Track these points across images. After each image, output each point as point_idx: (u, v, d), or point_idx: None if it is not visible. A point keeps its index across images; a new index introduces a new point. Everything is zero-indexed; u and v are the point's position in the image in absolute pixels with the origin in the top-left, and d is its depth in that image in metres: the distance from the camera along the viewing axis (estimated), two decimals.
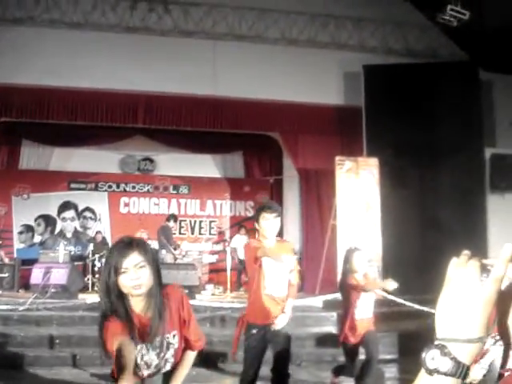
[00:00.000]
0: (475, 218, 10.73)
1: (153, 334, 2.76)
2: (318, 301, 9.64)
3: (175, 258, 11.79)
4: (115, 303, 2.68)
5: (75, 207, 13.26)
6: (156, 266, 2.80)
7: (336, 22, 11.75)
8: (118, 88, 10.91)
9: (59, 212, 13.23)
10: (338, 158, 10.69)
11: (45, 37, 10.75)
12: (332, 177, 10.75)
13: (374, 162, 10.70)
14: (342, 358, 6.15)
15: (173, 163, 13.63)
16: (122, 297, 2.70)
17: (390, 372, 6.83)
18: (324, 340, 7.88)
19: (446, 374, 0.95)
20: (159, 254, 11.82)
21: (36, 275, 10.25)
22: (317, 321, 8.60)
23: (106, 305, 2.69)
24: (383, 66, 11.29)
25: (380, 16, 11.64)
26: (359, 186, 10.56)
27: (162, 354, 2.83)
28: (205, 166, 13.83)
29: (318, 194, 12.27)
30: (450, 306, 0.96)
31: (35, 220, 13.06)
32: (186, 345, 2.98)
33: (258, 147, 13.84)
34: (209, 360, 7.08)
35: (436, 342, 0.96)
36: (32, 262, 11.21)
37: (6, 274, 11.07)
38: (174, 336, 2.87)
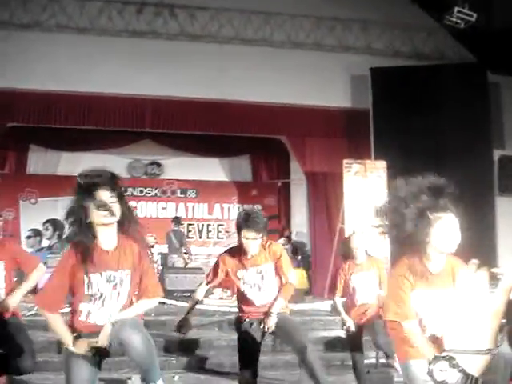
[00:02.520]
0: (484, 220, 10.66)
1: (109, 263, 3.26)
2: (326, 305, 9.59)
3: (186, 263, 11.78)
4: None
5: None
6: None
7: (343, 24, 11.72)
8: (124, 92, 10.93)
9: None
10: (345, 161, 10.65)
11: (52, 42, 10.77)
12: (340, 180, 10.72)
13: (381, 165, 10.65)
14: (351, 363, 6.13)
15: (180, 167, 13.64)
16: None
17: (400, 376, 6.78)
18: (333, 344, 7.84)
19: None
20: (169, 258, 11.81)
21: (44, 280, 10.25)
22: (325, 325, 8.56)
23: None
24: (390, 69, 11.26)
25: (387, 18, 11.60)
26: (367, 189, 10.52)
27: (117, 288, 3.26)
28: (212, 169, 13.83)
29: (326, 198, 12.23)
30: (458, 318, 0.93)
31: (43, 224, 13.08)
32: (142, 293, 3.40)
33: (265, 151, 13.83)
34: (217, 365, 7.09)
35: (444, 354, 0.94)
36: None
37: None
38: (126, 275, 3.28)
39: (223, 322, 8.42)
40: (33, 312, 8.30)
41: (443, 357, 0.95)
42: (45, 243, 13.06)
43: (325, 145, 11.92)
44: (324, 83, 11.27)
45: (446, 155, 10.64)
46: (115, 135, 12.58)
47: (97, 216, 3.21)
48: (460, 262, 3.19)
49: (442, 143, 10.67)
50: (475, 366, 0.94)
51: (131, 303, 3.42)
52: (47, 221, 13.10)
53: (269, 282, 4.78)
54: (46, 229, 13.09)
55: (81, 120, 11.28)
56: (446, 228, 2.99)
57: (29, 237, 12.96)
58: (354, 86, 11.61)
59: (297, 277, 5.85)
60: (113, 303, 3.29)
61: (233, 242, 12.32)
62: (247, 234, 4.50)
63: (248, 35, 11.47)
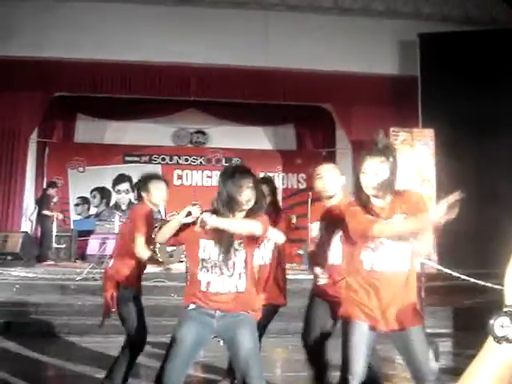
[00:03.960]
0: None
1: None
2: None
3: None
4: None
5: (129, 180, 13.44)
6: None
7: None
8: (170, 61, 10.96)
9: (114, 184, 13.44)
10: (392, 129, 10.47)
11: (97, 11, 10.84)
12: None
13: (429, 134, 10.45)
14: None
15: (225, 136, 13.65)
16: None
17: (445, 346, 6.74)
18: None
19: None
20: None
21: (92, 246, 10.51)
22: None
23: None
24: (439, 34, 10.98)
25: None
26: (414, 157, 10.36)
27: (230, 258, 3.30)
28: (256, 138, 13.80)
29: None
30: None
31: (91, 192, 13.32)
32: None
33: (310, 119, 13.69)
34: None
35: (505, 309, 0.91)
36: (88, 233, 11.48)
37: (64, 245, 11.38)
38: (240, 243, 3.33)
39: None
40: (82, 277, 8.51)
41: (505, 312, 0.92)
42: (92, 211, 13.32)
43: (371, 112, 11.72)
44: (371, 49, 11.07)
45: (496, 124, 10.37)
46: (161, 104, 12.65)
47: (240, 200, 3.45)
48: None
49: (492, 111, 10.39)
50: None
51: (252, 273, 3.52)
52: (95, 189, 13.33)
53: None
54: (94, 196, 13.34)
55: (126, 89, 11.40)
56: (363, 173, 3.42)
57: (77, 204, 13.23)
58: (402, 52, 11.39)
59: None
60: (230, 272, 3.34)
61: None
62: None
63: (294, 1, 11.32)
